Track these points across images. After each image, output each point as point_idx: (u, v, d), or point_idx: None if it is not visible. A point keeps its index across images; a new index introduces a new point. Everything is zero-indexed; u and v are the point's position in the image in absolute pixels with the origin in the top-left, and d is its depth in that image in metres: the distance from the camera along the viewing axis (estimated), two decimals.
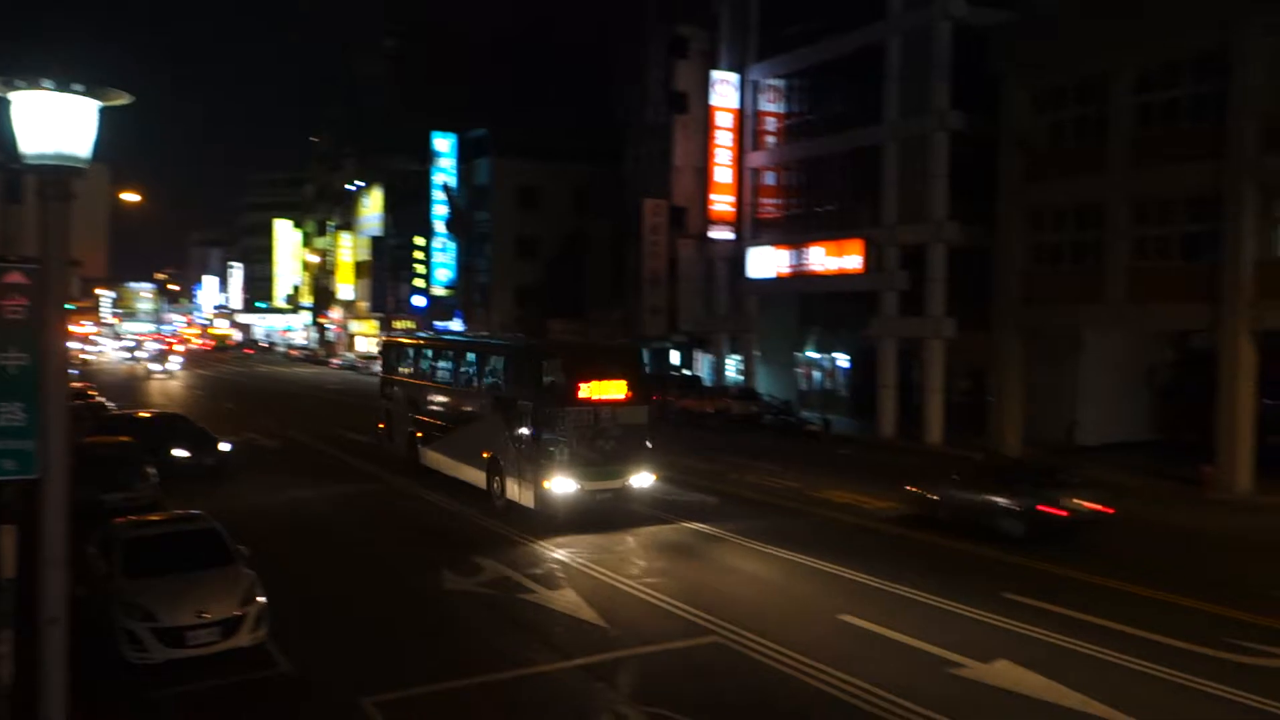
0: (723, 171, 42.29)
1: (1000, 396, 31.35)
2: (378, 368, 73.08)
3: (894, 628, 13.97)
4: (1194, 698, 11.58)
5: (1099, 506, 19.29)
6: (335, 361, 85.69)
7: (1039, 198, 30.01)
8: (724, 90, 42.17)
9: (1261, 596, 15.81)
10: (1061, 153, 29.68)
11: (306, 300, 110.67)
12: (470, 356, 24.62)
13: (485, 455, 22.08)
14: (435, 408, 25.88)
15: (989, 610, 14.79)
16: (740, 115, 42.36)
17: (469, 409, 23.74)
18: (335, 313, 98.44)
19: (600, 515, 20.20)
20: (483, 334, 27.94)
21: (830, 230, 38.15)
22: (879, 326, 35.86)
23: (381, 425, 29.54)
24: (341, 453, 31.00)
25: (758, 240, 41.70)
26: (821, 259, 38.15)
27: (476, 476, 22.59)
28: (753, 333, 43.28)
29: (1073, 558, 18.15)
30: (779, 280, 40.48)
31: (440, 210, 67.29)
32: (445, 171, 67.34)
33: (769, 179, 42.23)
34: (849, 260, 36.75)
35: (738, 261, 42.58)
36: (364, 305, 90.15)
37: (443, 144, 67.34)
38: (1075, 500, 19.23)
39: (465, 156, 67.14)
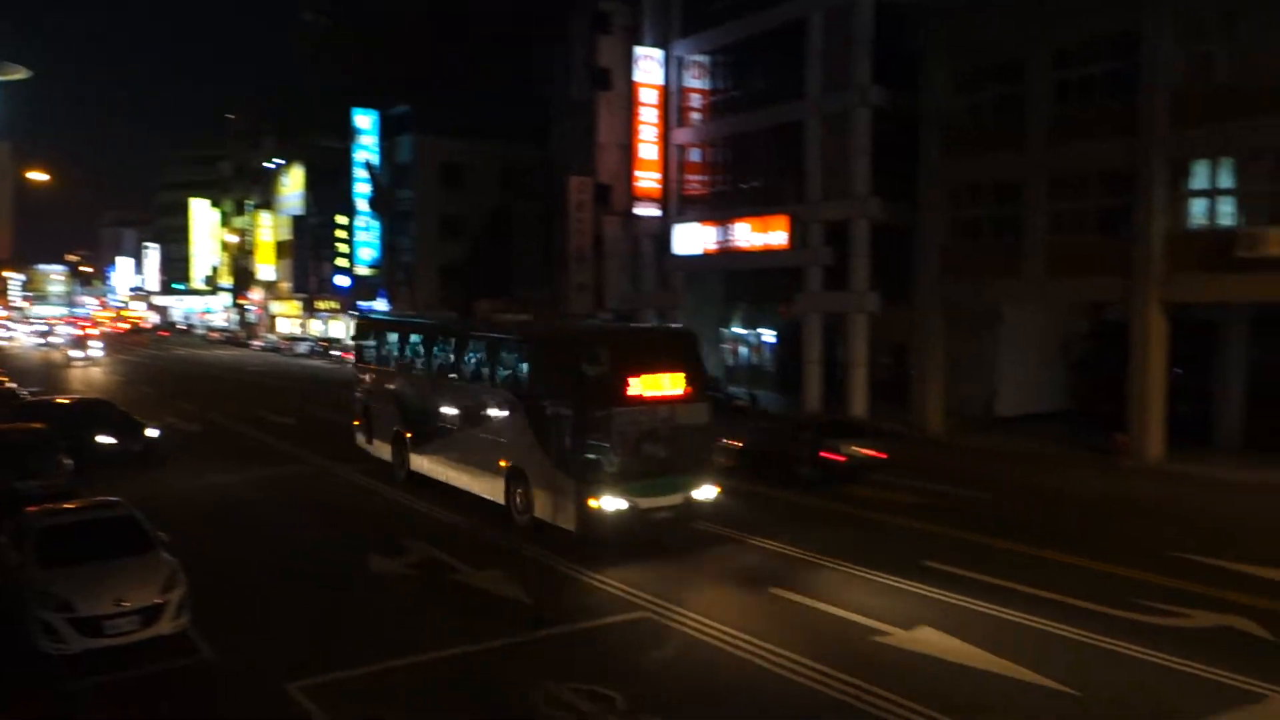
0: (647, 148, 42.18)
1: (922, 370, 31.89)
2: (302, 349, 72.66)
3: (821, 598, 14.22)
4: (1106, 657, 11.96)
5: (873, 453, 22.59)
6: (256, 343, 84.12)
7: (959, 174, 30.48)
8: (648, 66, 42.02)
9: (1169, 559, 16.37)
10: (981, 130, 30.14)
11: (226, 281, 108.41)
12: (482, 346, 20.35)
13: (503, 464, 18.67)
14: (432, 405, 21.75)
15: (910, 578, 15.12)
16: (665, 91, 42.28)
17: (481, 408, 19.75)
18: (256, 294, 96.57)
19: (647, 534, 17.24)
20: (513, 317, 23.17)
21: (756, 206, 38.32)
22: (803, 302, 36.19)
23: (358, 422, 25.75)
24: (266, 436, 30.48)
25: (684, 217, 41.75)
26: (747, 235, 38.31)
27: (491, 488, 19.21)
28: (679, 309, 43.36)
29: (990, 527, 18.63)
30: (705, 257, 40.58)
31: (363, 188, 66.28)
32: (367, 149, 66.29)
33: (694, 156, 42.23)
34: (774, 236, 36.97)
35: (664, 238, 42.58)
36: (286, 286, 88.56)
37: (364, 121, 66.26)
38: (853, 447, 22.38)
39: (388, 134, 66.15)
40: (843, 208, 34.41)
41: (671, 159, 42.33)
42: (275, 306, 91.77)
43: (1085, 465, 25.81)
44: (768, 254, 37.42)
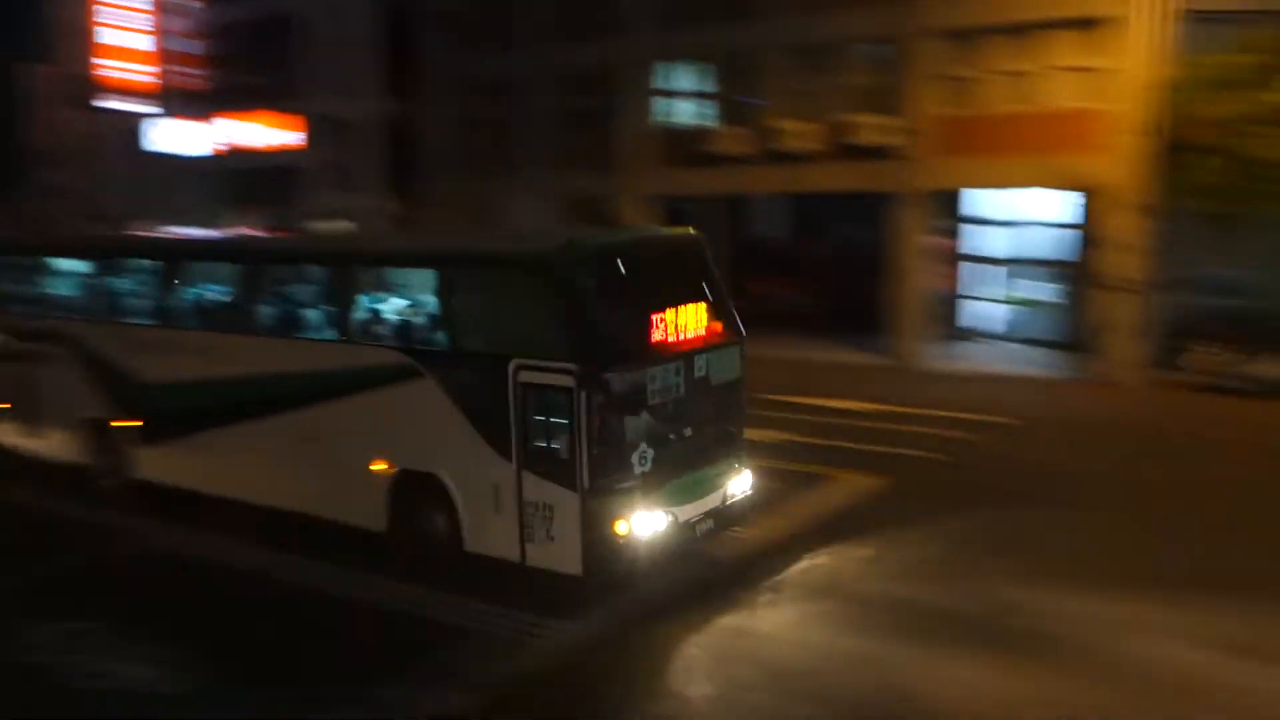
0: (112, 34, 37.83)
1: None
2: None
3: None
4: None
5: None
6: None
7: (463, 71, 31.04)
8: None
9: None
10: (480, 28, 30.80)
11: None
12: (317, 274, 12.97)
13: (381, 468, 11.57)
14: (190, 374, 13.55)
15: None
16: None
17: (316, 377, 12.16)
18: None
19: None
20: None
21: (261, 102, 36.60)
22: (313, 203, 35.37)
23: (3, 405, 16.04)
24: None
25: (180, 112, 38.78)
26: (252, 133, 36.62)
27: (347, 504, 12.01)
28: (182, 213, 40.62)
29: None
30: (211, 157, 38.22)
31: None
32: None
33: (186, 46, 39.08)
34: (280, 134, 35.70)
35: (160, 137, 39.43)
36: None
37: None
38: None
39: None
40: (353, 105, 33.94)
41: (165, 50, 38.91)
42: None
43: None
44: (275, 153, 36.10)
